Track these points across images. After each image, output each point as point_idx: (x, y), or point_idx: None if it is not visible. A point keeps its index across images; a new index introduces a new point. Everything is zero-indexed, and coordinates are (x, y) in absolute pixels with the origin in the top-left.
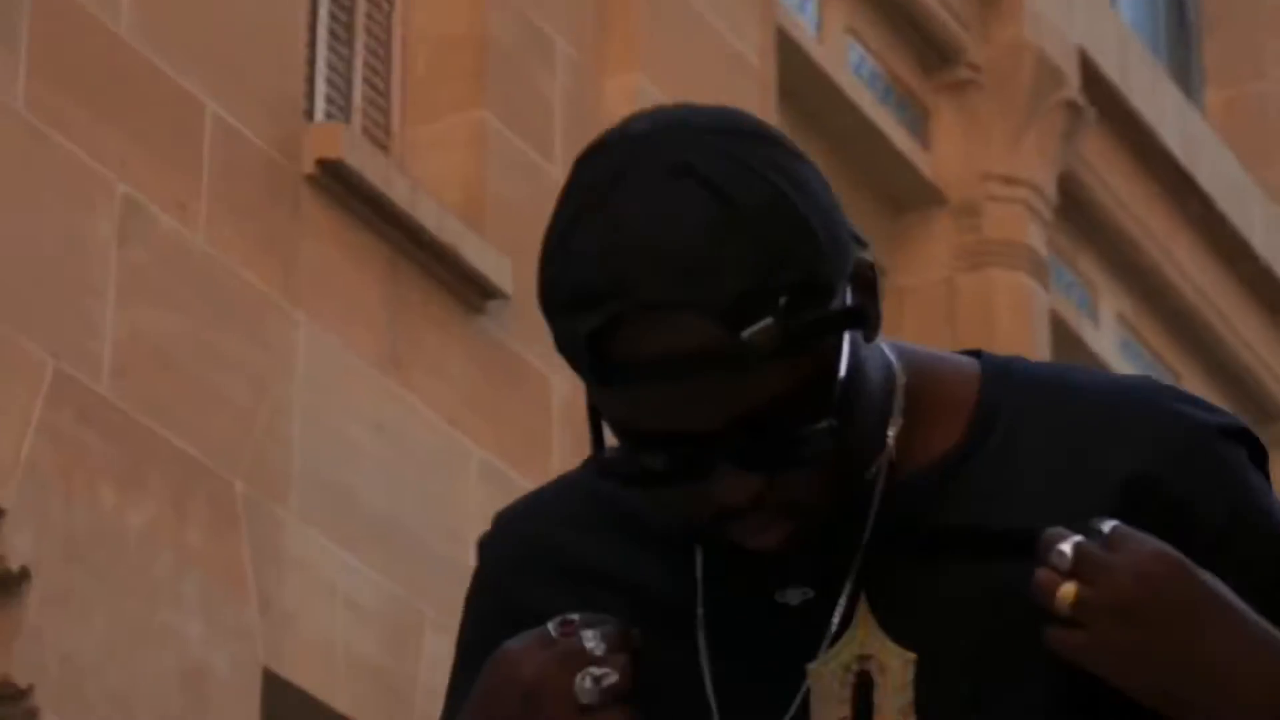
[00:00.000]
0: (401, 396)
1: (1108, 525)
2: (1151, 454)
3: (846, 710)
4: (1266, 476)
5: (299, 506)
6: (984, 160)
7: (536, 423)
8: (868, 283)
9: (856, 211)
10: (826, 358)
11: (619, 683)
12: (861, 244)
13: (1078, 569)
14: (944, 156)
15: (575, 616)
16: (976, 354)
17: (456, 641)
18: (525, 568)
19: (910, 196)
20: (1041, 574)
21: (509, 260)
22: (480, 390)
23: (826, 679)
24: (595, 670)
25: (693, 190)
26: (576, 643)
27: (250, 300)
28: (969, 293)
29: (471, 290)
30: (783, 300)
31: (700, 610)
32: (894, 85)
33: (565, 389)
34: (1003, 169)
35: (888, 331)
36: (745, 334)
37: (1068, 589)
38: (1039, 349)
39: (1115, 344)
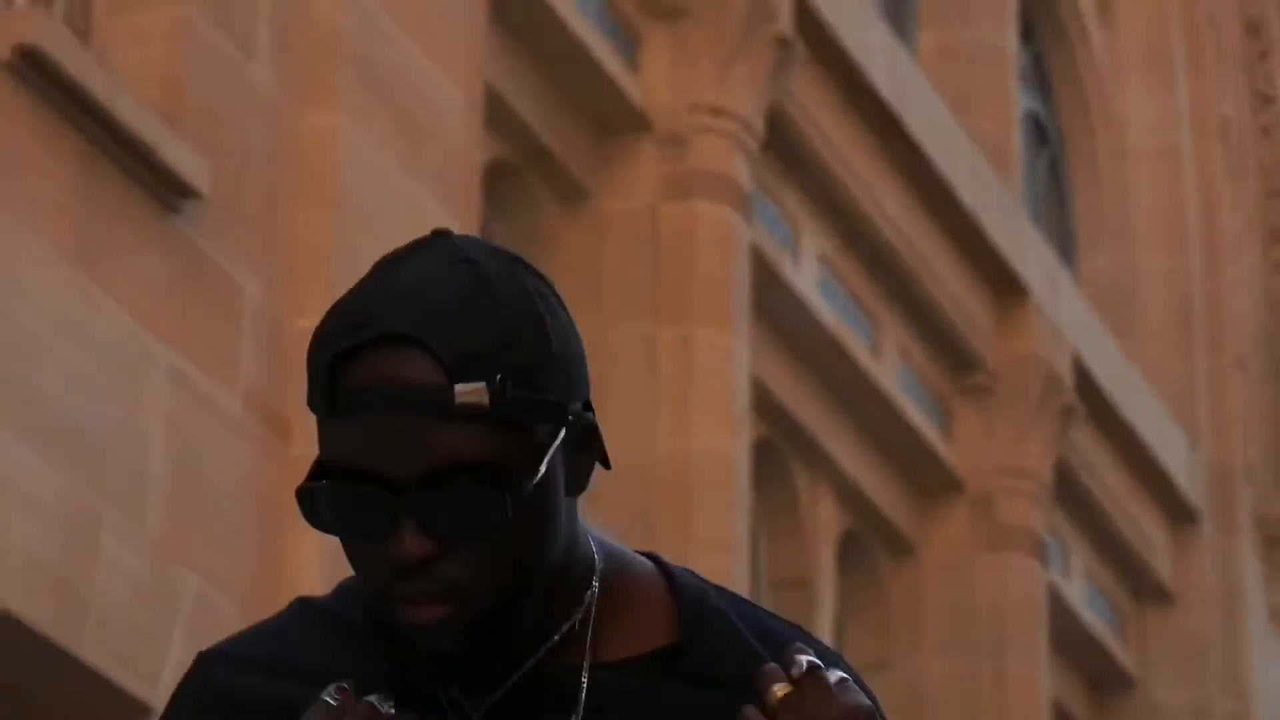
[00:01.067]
0: (89, 292)
1: (804, 663)
2: None
3: None
4: None
5: None
6: (693, 90)
7: (226, 328)
8: (585, 438)
9: (565, 131)
10: (526, 450)
11: None
12: (590, 411)
13: (782, 710)
14: (653, 83)
15: (347, 684)
16: (650, 556)
17: None
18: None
19: (618, 120)
20: (750, 710)
21: (207, 161)
22: (171, 292)
23: None
24: None
25: (463, 272)
26: (367, 706)
27: None
28: (672, 222)
29: (167, 189)
30: (499, 376)
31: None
32: (607, 7)
33: (257, 295)
34: (711, 99)
35: (589, 256)
36: (458, 386)
37: None
38: (739, 283)
39: (815, 283)
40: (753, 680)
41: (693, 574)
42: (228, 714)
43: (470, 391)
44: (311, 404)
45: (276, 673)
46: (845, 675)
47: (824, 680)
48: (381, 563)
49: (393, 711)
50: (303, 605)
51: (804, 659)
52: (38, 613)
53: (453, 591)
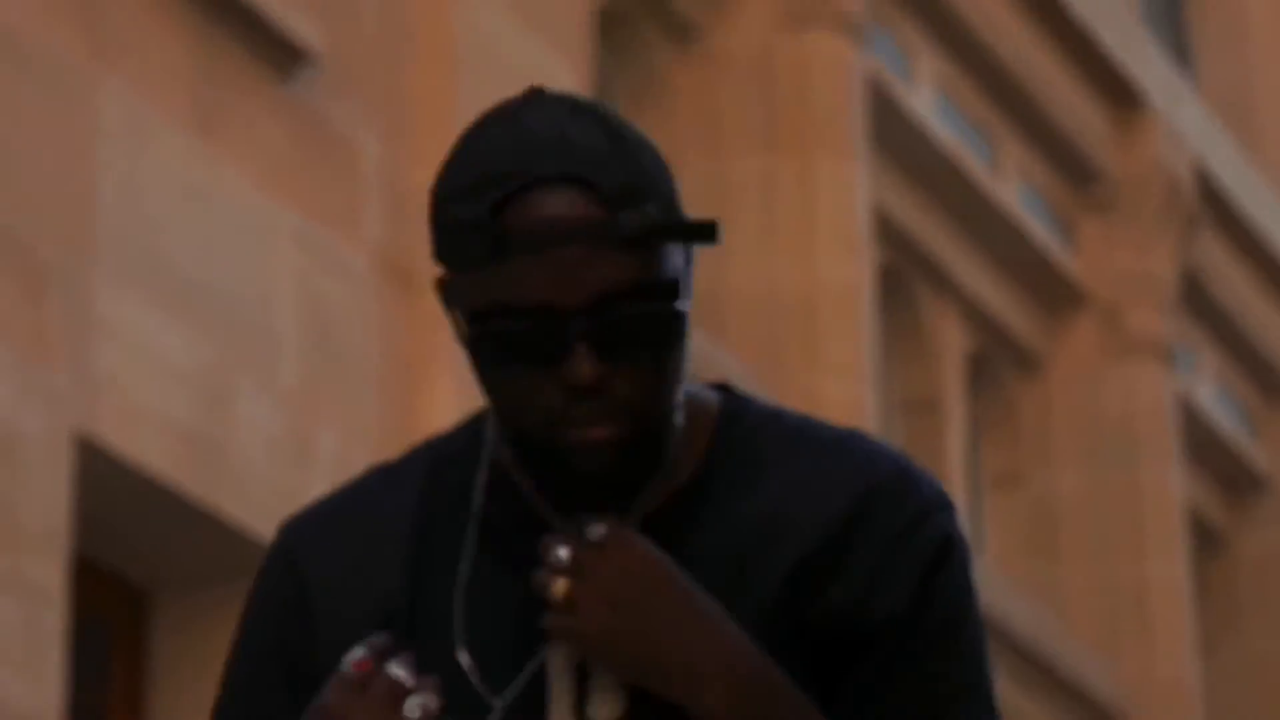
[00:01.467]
0: (212, 161)
1: (599, 531)
2: (865, 493)
3: (572, 683)
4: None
5: (110, 271)
6: None
7: (348, 187)
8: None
9: None
10: (676, 270)
11: (440, 706)
12: None
13: (573, 567)
14: None
15: (360, 653)
16: (723, 388)
17: (240, 635)
18: (308, 571)
19: None
20: (541, 574)
21: (320, 24)
22: (292, 155)
23: (560, 656)
24: (417, 698)
25: (590, 117)
26: (387, 677)
27: (56, 63)
28: (786, 55)
29: (282, 55)
30: (649, 204)
31: (463, 572)
32: None
33: (377, 153)
34: None
35: (704, 95)
36: (621, 215)
37: (561, 584)
38: (856, 112)
39: (932, 106)
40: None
41: (745, 399)
42: (306, 574)
43: (630, 215)
44: (459, 255)
45: (345, 528)
46: (618, 535)
47: (591, 563)
48: (552, 391)
49: (411, 681)
50: (372, 468)
51: (563, 551)
52: (177, 473)
53: (622, 410)
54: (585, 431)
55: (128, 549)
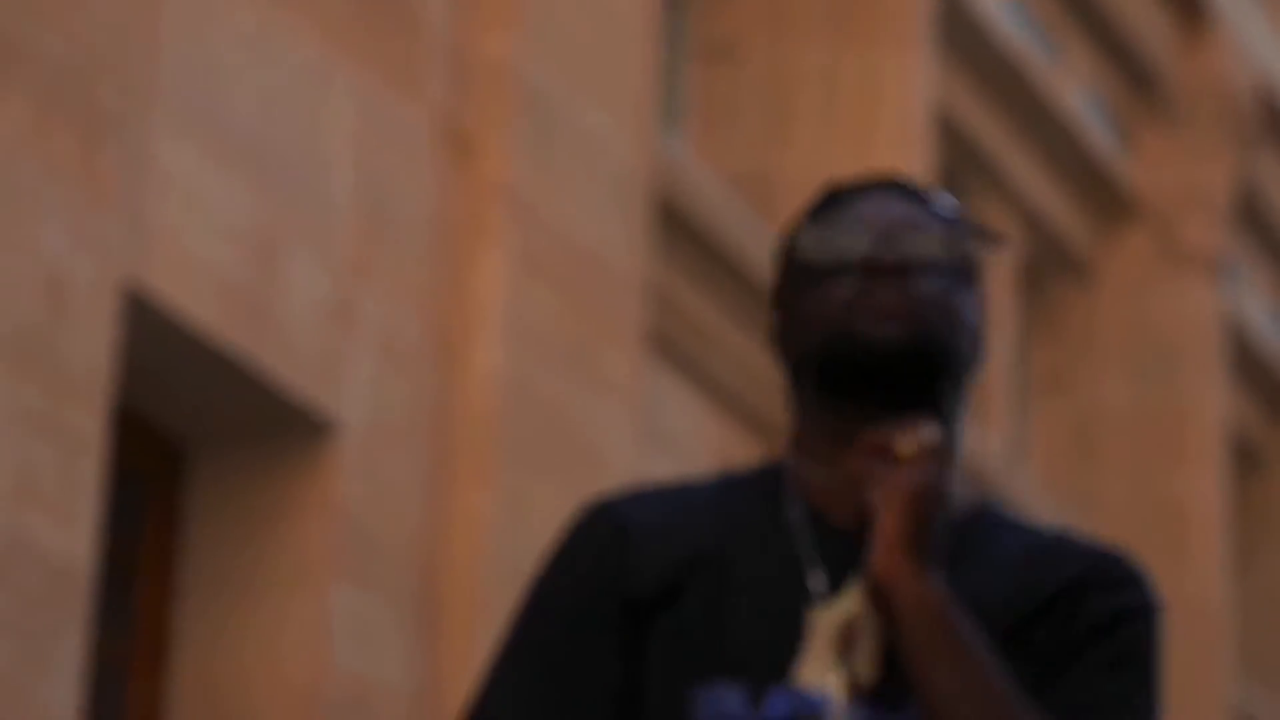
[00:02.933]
0: (273, 17)
1: (924, 431)
2: (1080, 574)
3: (832, 652)
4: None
5: (168, 120)
6: None
7: (411, 49)
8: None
9: None
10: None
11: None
12: None
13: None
14: None
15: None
16: None
17: (545, 593)
18: (626, 546)
19: None
20: (864, 450)
21: None
22: (355, 14)
23: (823, 625)
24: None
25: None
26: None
27: None
28: None
29: None
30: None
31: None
32: None
33: (441, 16)
34: None
35: None
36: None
37: (909, 440)
38: (922, 6)
39: (1000, 4)
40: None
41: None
42: (626, 525)
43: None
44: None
45: (658, 500)
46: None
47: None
48: (854, 284)
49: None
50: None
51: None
52: (222, 329)
53: (920, 299)
54: (880, 305)
55: (169, 401)
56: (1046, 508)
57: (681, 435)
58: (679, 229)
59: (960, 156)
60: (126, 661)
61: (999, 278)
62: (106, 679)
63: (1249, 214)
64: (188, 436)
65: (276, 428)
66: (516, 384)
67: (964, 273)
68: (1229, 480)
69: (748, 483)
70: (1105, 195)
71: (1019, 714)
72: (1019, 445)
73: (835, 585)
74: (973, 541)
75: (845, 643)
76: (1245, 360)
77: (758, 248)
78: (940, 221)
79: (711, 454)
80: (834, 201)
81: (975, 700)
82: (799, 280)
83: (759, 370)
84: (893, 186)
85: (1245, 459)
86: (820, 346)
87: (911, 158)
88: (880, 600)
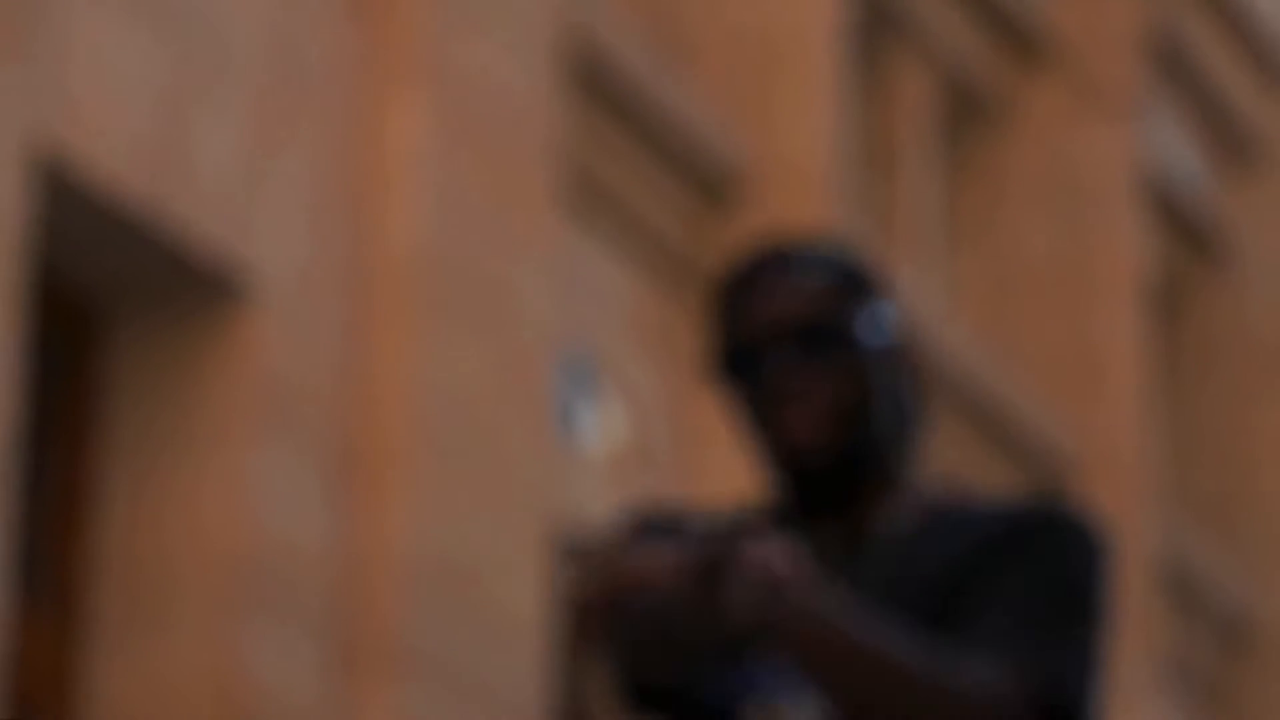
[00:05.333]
0: None
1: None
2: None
3: None
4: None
5: None
6: None
7: None
8: (913, 363)
9: None
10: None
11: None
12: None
13: None
14: None
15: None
16: None
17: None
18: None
19: None
20: None
21: None
22: None
23: None
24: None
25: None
26: (785, 544)
27: None
28: None
29: None
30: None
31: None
32: None
33: None
34: None
35: None
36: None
37: None
38: None
39: None
40: None
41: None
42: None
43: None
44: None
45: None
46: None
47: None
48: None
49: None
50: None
51: None
52: (137, 190)
53: (819, 403)
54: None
55: (82, 263)
56: (967, 351)
57: (599, 290)
58: (595, 78)
59: (873, 4)
60: (45, 526)
61: (918, 124)
62: (26, 544)
63: (1168, 57)
64: (102, 298)
65: (192, 287)
66: (433, 240)
67: (865, 343)
68: (1148, 322)
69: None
70: (1019, 37)
71: (937, 679)
72: (937, 292)
73: None
74: (939, 519)
75: None
76: (1161, 202)
77: (676, 94)
78: (824, 299)
79: (628, 307)
80: (732, 292)
81: (880, 694)
82: (727, 371)
83: (678, 219)
84: (780, 264)
85: (1165, 303)
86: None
87: (821, 8)
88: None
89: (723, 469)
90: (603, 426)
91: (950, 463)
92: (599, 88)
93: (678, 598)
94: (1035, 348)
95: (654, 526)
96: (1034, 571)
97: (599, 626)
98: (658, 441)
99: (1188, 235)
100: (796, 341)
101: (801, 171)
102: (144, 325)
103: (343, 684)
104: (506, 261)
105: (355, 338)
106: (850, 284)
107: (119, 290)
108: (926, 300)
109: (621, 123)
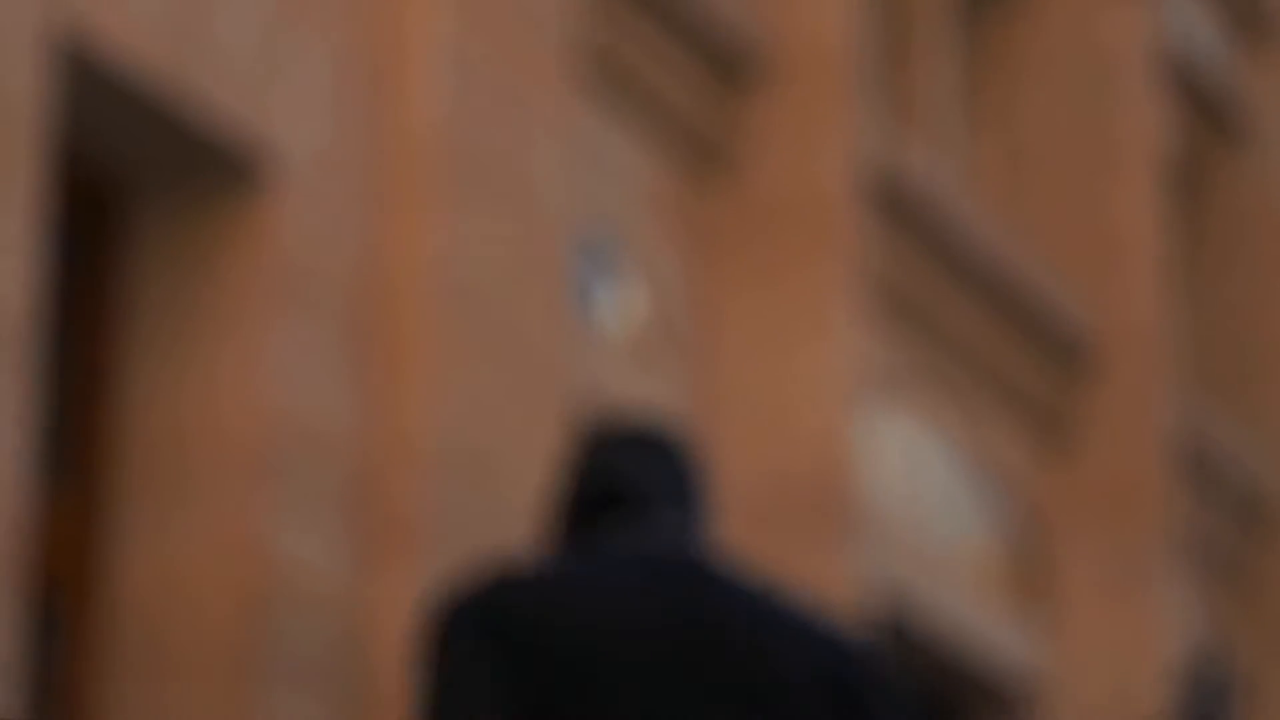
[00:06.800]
0: None
1: None
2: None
3: None
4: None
5: None
6: None
7: None
8: None
9: None
10: None
11: None
12: None
13: None
14: None
15: None
16: None
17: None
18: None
19: None
20: None
21: None
22: None
23: None
24: None
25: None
26: None
27: None
28: None
29: None
30: None
31: None
32: None
33: None
34: None
35: None
36: None
37: None
38: None
39: None
40: None
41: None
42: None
43: None
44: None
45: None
46: None
47: None
48: None
49: None
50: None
51: None
52: (157, 68)
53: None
54: None
55: (101, 141)
56: (990, 234)
57: (618, 171)
58: None
59: None
60: (66, 406)
61: (936, 6)
62: (48, 424)
63: None
64: (122, 178)
65: (211, 167)
66: (452, 121)
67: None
68: (1168, 200)
69: None
70: None
71: None
72: (963, 173)
73: None
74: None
75: None
76: (1187, 82)
77: None
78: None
79: (650, 186)
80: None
81: None
82: None
83: (697, 100)
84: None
85: (1188, 180)
86: None
87: None
88: None
89: (741, 348)
90: (621, 306)
91: (970, 341)
92: None
93: None
94: (1055, 227)
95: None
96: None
97: None
98: (676, 321)
99: (1207, 113)
100: None
101: (821, 51)
102: (164, 205)
103: (361, 563)
104: (525, 143)
105: (374, 218)
106: None
107: (139, 170)
108: (945, 182)
109: (640, 2)
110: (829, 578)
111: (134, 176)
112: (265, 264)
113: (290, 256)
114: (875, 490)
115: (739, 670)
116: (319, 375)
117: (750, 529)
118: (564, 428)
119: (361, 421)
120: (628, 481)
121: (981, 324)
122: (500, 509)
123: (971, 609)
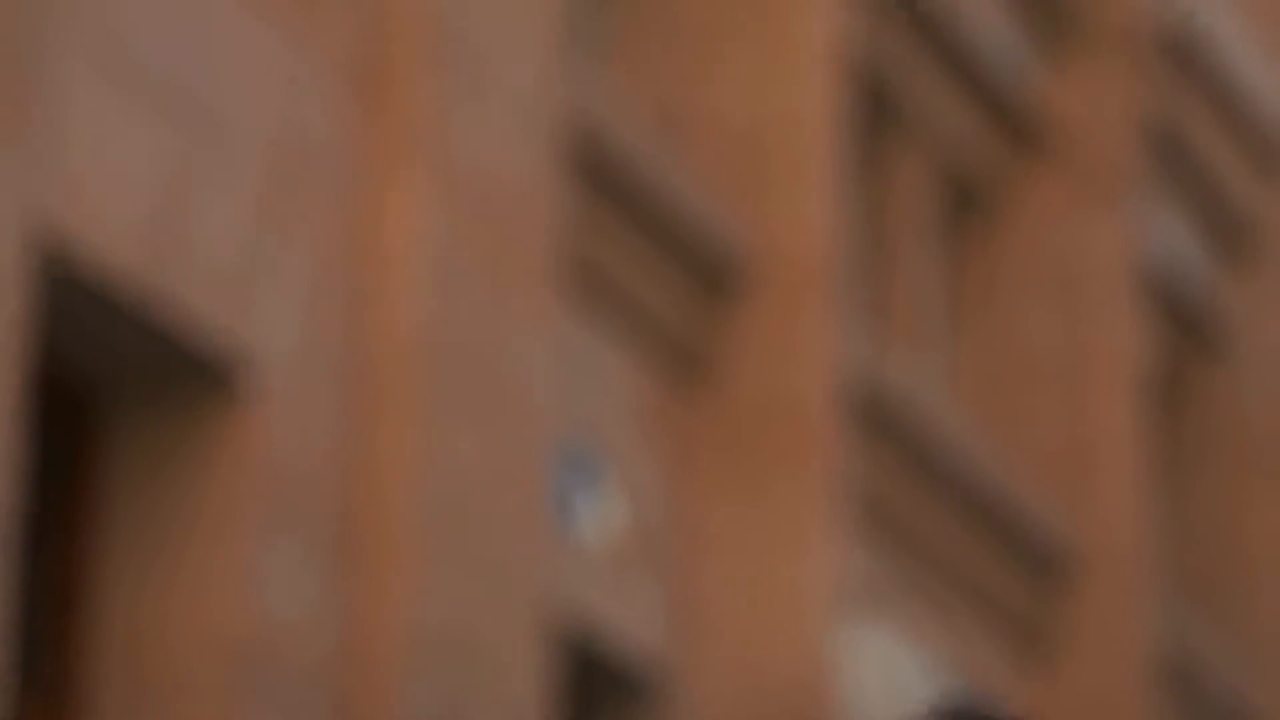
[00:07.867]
0: None
1: None
2: None
3: None
4: None
5: (77, 61)
6: None
7: None
8: None
9: None
10: None
11: None
12: None
13: None
14: None
15: None
16: None
17: None
18: None
19: None
20: None
21: None
22: None
23: None
24: None
25: None
26: None
27: None
28: None
29: None
30: None
31: None
32: None
33: None
34: None
35: None
36: None
37: None
38: None
39: None
40: None
41: None
42: None
43: None
44: None
45: None
46: None
47: None
48: None
49: None
50: None
51: None
52: (138, 276)
53: None
54: None
55: (81, 349)
56: (969, 445)
57: (599, 378)
58: (596, 165)
59: (870, 93)
60: (45, 616)
61: (916, 212)
62: (26, 635)
63: (1166, 147)
64: (101, 384)
65: (192, 373)
66: (433, 326)
67: None
68: (1145, 412)
69: None
70: (1018, 127)
71: None
72: (942, 382)
73: None
74: None
75: None
76: (1165, 294)
77: (676, 183)
78: None
79: (631, 395)
80: None
81: None
82: None
83: (678, 309)
84: None
85: (1165, 392)
86: None
87: (818, 93)
88: None
89: (721, 561)
90: (601, 517)
91: (950, 552)
92: (600, 174)
93: None
94: (1035, 438)
95: None
96: None
97: None
98: (656, 531)
99: (1185, 326)
100: None
101: (802, 260)
102: (143, 412)
103: None
104: (506, 348)
105: (355, 423)
106: None
107: (118, 376)
108: (925, 393)
109: (622, 210)
110: None
111: (114, 383)
112: (246, 469)
113: (270, 464)
114: (856, 702)
115: None
116: (301, 581)
117: None
118: (542, 634)
119: (344, 627)
120: None
121: (961, 535)
122: (480, 713)
123: None
